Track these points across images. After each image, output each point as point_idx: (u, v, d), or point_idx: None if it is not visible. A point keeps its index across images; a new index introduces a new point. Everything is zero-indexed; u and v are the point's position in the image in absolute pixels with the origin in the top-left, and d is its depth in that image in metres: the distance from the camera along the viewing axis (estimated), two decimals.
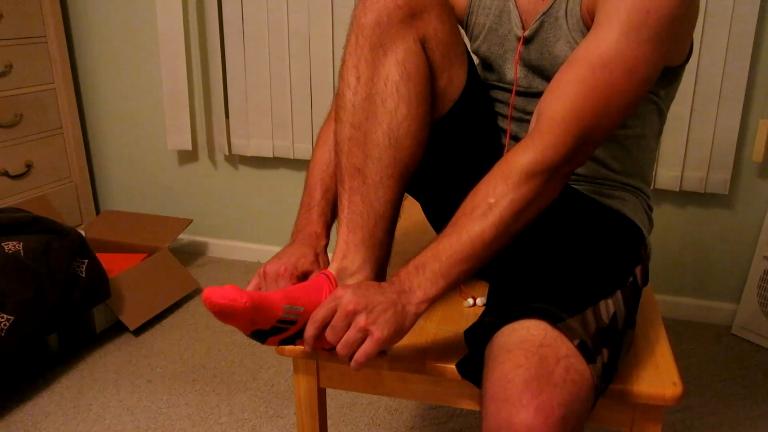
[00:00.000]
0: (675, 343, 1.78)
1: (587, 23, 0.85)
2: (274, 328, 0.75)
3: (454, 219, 0.77)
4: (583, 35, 0.85)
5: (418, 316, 0.75)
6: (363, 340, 0.72)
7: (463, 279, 0.76)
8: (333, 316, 0.73)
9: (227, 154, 2.23)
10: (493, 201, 0.75)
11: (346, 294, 0.73)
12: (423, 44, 0.84)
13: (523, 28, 0.93)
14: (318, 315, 0.73)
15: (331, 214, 0.94)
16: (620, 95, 0.76)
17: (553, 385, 0.65)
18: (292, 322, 0.75)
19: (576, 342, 0.70)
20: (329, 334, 0.73)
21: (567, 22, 0.87)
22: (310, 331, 0.74)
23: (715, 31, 1.65)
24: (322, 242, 0.91)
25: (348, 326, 0.72)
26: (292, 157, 2.14)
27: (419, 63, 0.83)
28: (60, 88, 2.23)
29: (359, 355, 0.72)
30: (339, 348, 0.72)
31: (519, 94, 0.95)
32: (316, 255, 0.88)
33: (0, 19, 1.99)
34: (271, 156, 2.16)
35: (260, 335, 0.75)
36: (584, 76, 0.76)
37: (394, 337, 0.73)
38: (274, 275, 0.84)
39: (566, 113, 0.75)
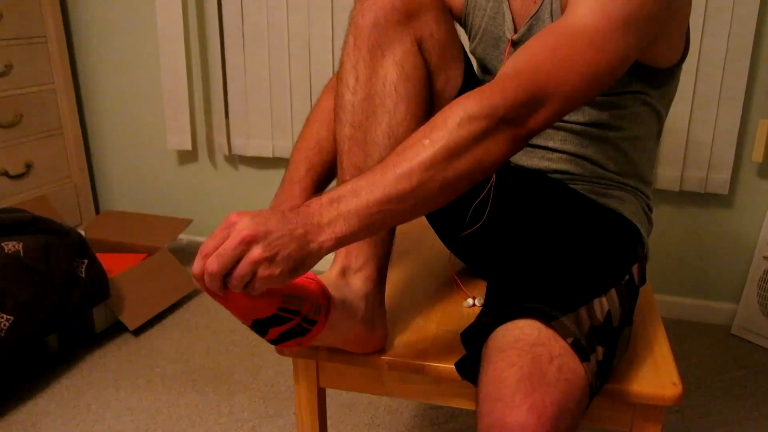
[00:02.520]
0: (675, 343, 1.78)
1: None
2: (274, 317, 0.71)
3: (384, 158, 0.69)
4: None
5: (320, 256, 0.65)
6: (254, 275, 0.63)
7: (380, 225, 0.67)
8: (223, 241, 0.63)
9: (227, 154, 2.23)
10: (427, 142, 0.67)
11: (243, 219, 0.62)
12: (420, 45, 0.85)
13: (515, 31, 0.93)
14: (208, 245, 0.63)
15: (314, 191, 0.92)
16: (583, 64, 0.71)
17: (546, 383, 0.65)
18: (295, 312, 0.72)
19: (569, 340, 0.70)
20: (213, 262, 0.61)
21: (552, 22, 0.88)
22: (197, 265, 0.63)
23: (715, 31, 1.65)
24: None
25: (239, 257, 0.61)
26: None
27: (417, 63, 0.84)
28: (60, 88, 2.23)
29: (251, 289, 0.63)
30: (228, 281, 0.63)
31: None
32: None
33: (0, 19, 1.99)
34: (271, 156, 2.16)
35: (260, 325, 0.71)
36: (547, 41, 0.72)
37: (289, 276, 0.64)
38: None
39: (521, 68, 0.70)
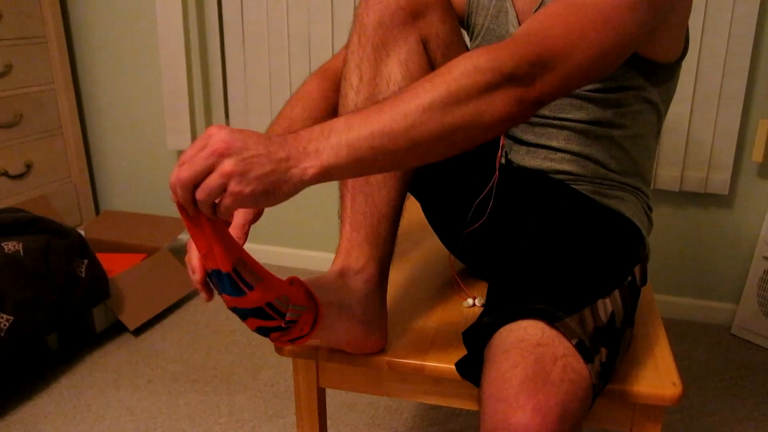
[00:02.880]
0: (675, 343, 1.78)
1: None
2: (258, 310, 0.69)
3: (384, 98, 0.67)
4: None
5: (302, 184, 0.62)
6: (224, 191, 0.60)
7: (370, 164, 0.64)
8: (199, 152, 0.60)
9: None
10: (428, 85, 0.65)
11: (222, 132, 0.59)
12: (425, 44, 0.85)
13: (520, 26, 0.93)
14: (185, 154, 0.60)
15: None
16: (593, 35, 0.70)
17: (550, 384, 0.65)
18: (281, 314, 0.70)
19: (574, 341, 0.70)
20: (185, 169, 0.59)
21: None
22: (173, 173, 0.60)
23: (715, 31, 1.65)
24: None
25: (211, 168, 0.59)
26: None
27: (421, 63, 0.84)
28: (60, 88, 2.23)
29: (219, 208, 0.61)
30: (197, 192, 0.60)
31: None
32: None
33: (0, 19, 1.99)
34: None
35: (240, 312, 0.69)
36: (560, 10, 0.72)
37: (261, 199, 0.60)
38: None
39: (533, 31, 0.69)
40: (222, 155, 0.58)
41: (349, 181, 0.84)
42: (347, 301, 0.80)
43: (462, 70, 0.65)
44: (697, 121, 1.74)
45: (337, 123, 0.63)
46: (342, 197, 0.85)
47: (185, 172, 0.59)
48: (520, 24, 0.93)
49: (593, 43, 0.70)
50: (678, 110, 1.73)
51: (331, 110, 0.92)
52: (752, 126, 1.74)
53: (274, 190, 0.60)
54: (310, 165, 0.61)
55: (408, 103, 0.64)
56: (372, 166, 0.64)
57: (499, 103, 0.66)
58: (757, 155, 1.72)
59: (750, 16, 1.63)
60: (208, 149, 0.59)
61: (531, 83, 0.67)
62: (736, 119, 1.71)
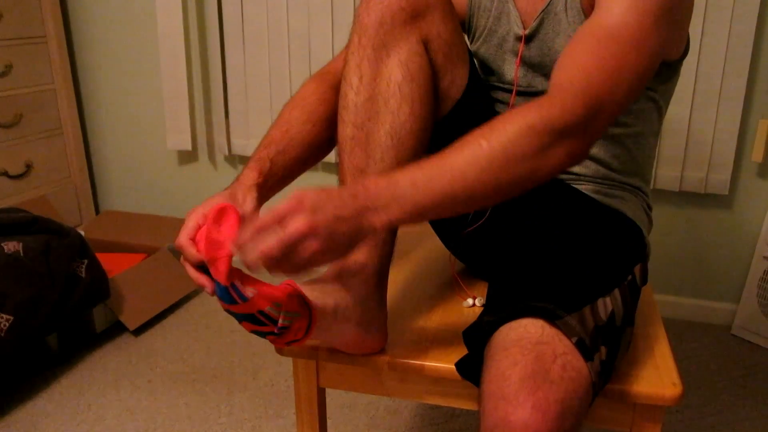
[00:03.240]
0: (675, 343, 1.78)
1: (587, 13, 0.85)
2: (251, 317, 0.71)
3: (443, 151, 0.70)
4: None
5: (371, 235, 0.70)
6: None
7: (431, 215, 0.70)
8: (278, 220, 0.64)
9: (227, 154, 2.23)
10: (485, 144, 0.68)
11: (303, 214, 0.63)
12: (426, 45, 0.84)
13: (524, 28, 0.93)
14: (261, 224, 0.64)
15: (269, 167, 0.87)
16: (629, 67, 0.73)
17: (550, 382, 0.65)
18: (273, 320, 0.71)
19: (573, 339, 0.70)
20: (270, 248, 0.63)
21: (567, 15, 0.88)
22: (258, 249, 0.64)
23: (715, 31, 1.65)
24: (252, 182, 0.84)
25: (297, 245, 0.64)
26: None
27: (422, 63, 0.83)
28: (60, 88, 2.23)
29: (293, 270, 0.66)
30: (281, 264, 0.64)
31: (519, 93, 0.95)
32: (243, 194, 0.82)
33: (0, 19, 1.99)
34: None
35: (236, 315, 0.71)
36: (593, 47, 0.74)
37: (340, 256, 0.68)
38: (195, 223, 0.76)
39: (576, 80, 0.72)
40: (305, 236, 0.64)
41: (349, 182, 0.83)
42: (344, 303, 0.80)
43: (517, 131, 0.68)
44: (697, 121, 1.74)
45: (402, 179, 0.68)
46: None
47: (274, 251, 0.63)
48: (522, 24, 0.93)
49: (631, 74, 0.73)
50: (678, 110, 1.73)
51: (330, 112, 0.92)
52: (752, 126, 1.74)
53: (351, 245, 0.68)
54: (379, 220, 0.67)
55: (468, 165, 0.68)
56: (433, 216, 0.70)
57: (554, 159, 0.70)
58: (757, 155, 1.72)
59: (750, 16, 1.63)
60: (291, 233, 0.63)
61: (582, 134, 0.71)
62: (736, 119, 1.71)
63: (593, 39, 0.74)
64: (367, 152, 0.82)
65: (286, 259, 0.64)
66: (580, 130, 0.71)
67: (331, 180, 2.17)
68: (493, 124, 0.70)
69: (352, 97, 0.83)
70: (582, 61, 0.73)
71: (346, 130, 0.84)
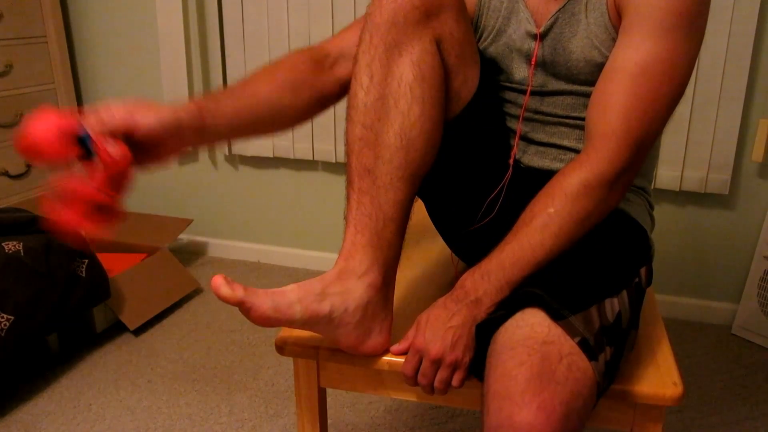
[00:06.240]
0: (675, 343, 1.78)
1: (612, 16, 0.85)
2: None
3: (515, 228, 0.81)
4: (606, 29, 0.85)
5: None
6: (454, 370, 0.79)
7: (522, 282, 0.80)
8: (419, 362, 0.80)
9: (227, 154, 2.23)
10: (552, 211, 0.78)
11: (426, 343, 0.79)
12: (438, 45, 0.83)
13: (537, 27, 0.92)
14: (408, 370, 0.81)
15: (213, 107, 0.85)
16: (663, 100, 0.79)
17: (555, 382, 0.65)
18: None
19: (576, 339, 0.70)
20: (422, 380, 0.80)
21: (587, 16, 0.87)
22: (409, 382, 0.82)
23: (715, 31, 1.65)
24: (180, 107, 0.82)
25: (437, 369, 0.79)
26: (292, 157, 2.14)
27: (434, 64, 0.82)
28: (60, 88, 2.23)
29: (456, 383, 0.80)
30: (436, 386, 0.80)
31: (532, 93, 0.94)
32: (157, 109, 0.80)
33: (0, 19, 1.99)
34: (271, 156, 2.16)
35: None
36: (627, 86, 0.78)
37: (470, 353, 0.79)
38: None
39: (617, 126, 0.78)
40: (441, 358, 0.79)
41: (356, 182, 0.82)
42: (341, 307, 0.79)
43: (575, 193, 0.79)
44: (697, 121, 1.74)
45: (491, 264, 0.80)
46: (348, 198, 0.83)
47: (424, 381, 0.80)
48: (535, 23, 0.92)
49: (666, 104, 0.80)
50: (678, 110, 1.72)
51: (297, 81, 0.91)
52: (752, 126, 1.74)
53: (474, 340, 0.79)
54: (486, 308, 0.79)
55: (543, 236, 0.79)
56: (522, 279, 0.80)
57: (614, 200, 0.82)
58: (757, 155, 1.72)
59: (750, 16, 1.63)
60: (427, 361, 0.79)
61: (632, 171, 0.81)
62: (736, 119, 1.71)
63: (627, 76, 0.79)
64: (375, 153, 0.81)
65: (437, 383, 0.80)
66: (629, 169, 0.80)
67: (331, 179, 2.17)
68: (552, 190, 0.80)
69: (362, 96, 0.81)
70: (619, 103, 0.79)
71: (354, 130, 0.82)
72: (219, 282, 0.73)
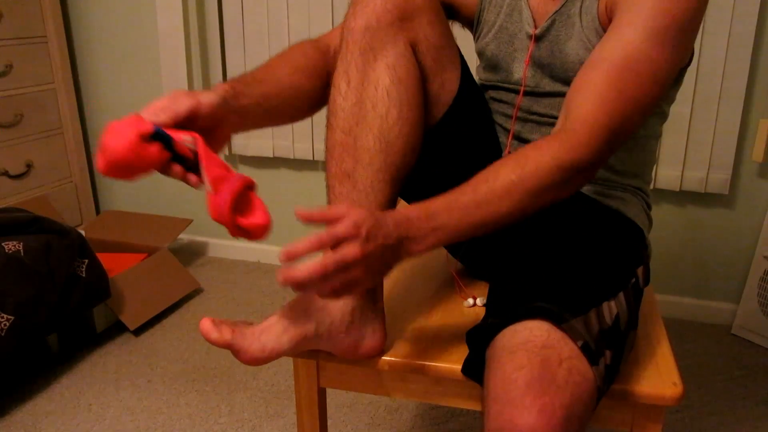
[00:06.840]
0: (675, 343, 1.78)
1: (603, 22, 0.85)
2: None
3: (474, 182, 0.75)
4: (597, 33, 0.85)
5: (407, 259, 0.75)
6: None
7: (461, 240, 0.75)
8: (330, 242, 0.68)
9: (227, 154, 2.23)
10: (516, 179, 0.74)
11: (359, 241, 0.67)
12: (414, 48, 0.84)
13: (535, 27, 0.92)
14: (321, 240, 0.68)
15: (243, 89, 0.85)
16: (645, 97, 0.78)
17: (555, 386, 0.65)
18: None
19: (579, 343, 0.70)
20: (319, 270, 0.67)
21: (581, 20, 0.87)
22: (308, 268, 0.67)
23: (715, 31, 1.65)
24: (221, 90, 0.83)
25: (340, 269, 0.67)
26: (292, 157, 2.14)
27: (410, 67, 0.83)
28: (60, 88, 2.23)
29: (331, 292, 0.70)
30: (322, 282, 0.68)
31: (526, 93, 0.94)
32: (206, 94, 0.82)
33: (0, 19, 1.99)
34: (271, 156, 2.16)
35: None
36: (612, 77, 0.77)
37: (379, 277, 0.74)
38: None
39: (598, 114, 0.76)
40: (357, 262, 0.67)
41: (336, 188, 0.82)
42: (327, 321, 0.79)
43: (546, 168, 0.74)
44: (697, 121, 1.74)
45: (441, 211, 0.73)
46: (328, 203, 0.84)
47: (324, 270, 0.66)
48: (534, 22, 0.92)
49: (647, 102, 0.78)
50: (678, 110, 1.73)
51: (312, 68, 0.91)
52: (752, 126, 1.74)
53: (384, 274, 0.73)
54: (417, 248, 0.72)
55: (501, 199, 0.74)
56: (461, 240, 0.75)
57: (574, 187, 0.78)
58: (757, 155, 1.72)
59: (750, 16, 1.63)
60: (346, 258, 0.67)
61: (600, 163, 0.78)
62: (736, 119, 1.71)
63: (612, 66, 0.77)
64: (355, 157, 0.81)
65: (329, 280, 0.67)
66: (602, 160, 0.78)
67: None
68: (522, 159, 0.75)
69: (340, 101, 0.82)
70: (601, 91, 0.77)
71: (334, 136, 0.83)
72: (207, 327, 0.75)
